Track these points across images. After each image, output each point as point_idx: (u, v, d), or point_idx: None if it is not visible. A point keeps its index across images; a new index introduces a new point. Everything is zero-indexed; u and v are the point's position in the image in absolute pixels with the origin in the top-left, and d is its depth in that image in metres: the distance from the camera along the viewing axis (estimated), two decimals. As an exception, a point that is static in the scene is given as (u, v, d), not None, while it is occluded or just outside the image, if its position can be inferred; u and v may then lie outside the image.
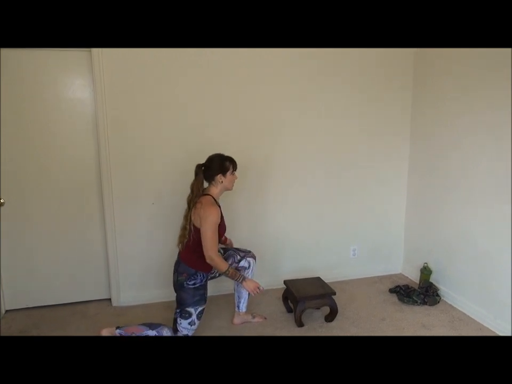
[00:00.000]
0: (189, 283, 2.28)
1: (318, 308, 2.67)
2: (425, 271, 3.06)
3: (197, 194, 2.27)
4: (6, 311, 2.81)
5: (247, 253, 2.57)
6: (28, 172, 2.69)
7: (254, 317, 2.68)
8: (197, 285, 2.30)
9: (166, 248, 2.93)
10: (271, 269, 3.15)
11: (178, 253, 2.38)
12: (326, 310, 2.67)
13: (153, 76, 2.70)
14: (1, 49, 2.47)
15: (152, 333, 2.26)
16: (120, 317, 2.74)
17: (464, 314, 2.74)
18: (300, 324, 2.58)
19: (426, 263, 3.10)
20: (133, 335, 2.24)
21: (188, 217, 2.28)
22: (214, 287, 2.92)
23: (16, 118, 2.60)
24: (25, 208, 2.72)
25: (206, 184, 2.36)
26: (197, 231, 2.25)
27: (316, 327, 2.59)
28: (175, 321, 2.35)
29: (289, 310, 2.78)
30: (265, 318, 2.71)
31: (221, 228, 2.33)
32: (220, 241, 2.39)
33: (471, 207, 2.68)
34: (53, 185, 2.74)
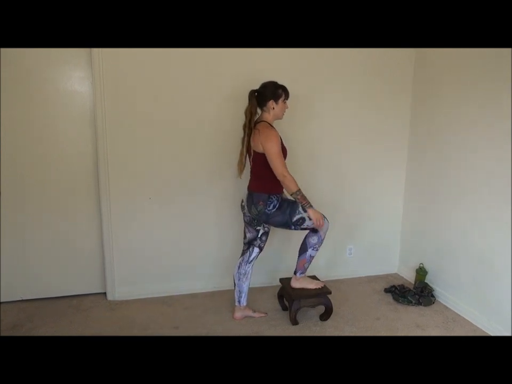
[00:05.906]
0: (269, 208, 2.33)
1: (313, 307, 2.67)
2: (421, 272, 3.07)
3: (250, 119, 2.32)
4: (0, 303, 2.79)
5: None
6: (23, 163, 2.66)
7: (254, 311, 2.69)
8: (277, 205, 2.35)
9: (162, 242, 2.92)
10: (268, 267, 3.14)
11: (248, 187, 2.45)
12: (321, 308, 2.68)
13: (153, 70, 2.67)
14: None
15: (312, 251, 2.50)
16: (114, 311, 2.73)
17: (459, 315, 2.76)
18: (294, 322, 2.58)
19: (421, 263, 3.11)
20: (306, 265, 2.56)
21: (244, 142, 2.35)
22: (209, 284, 2.91)
23: (15, 109, 2.58)
24: (20, 199, 2.70)
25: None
26: (259, 156, 2.31)
27: (310, 326, 2.59)
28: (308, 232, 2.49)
29: (285, 308, 2.78)
30: (266, 314, 2.72)
31: (283, 150, 2.37)
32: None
33: (467, 209, 2.68)
34: (49, 177, 2.72)
